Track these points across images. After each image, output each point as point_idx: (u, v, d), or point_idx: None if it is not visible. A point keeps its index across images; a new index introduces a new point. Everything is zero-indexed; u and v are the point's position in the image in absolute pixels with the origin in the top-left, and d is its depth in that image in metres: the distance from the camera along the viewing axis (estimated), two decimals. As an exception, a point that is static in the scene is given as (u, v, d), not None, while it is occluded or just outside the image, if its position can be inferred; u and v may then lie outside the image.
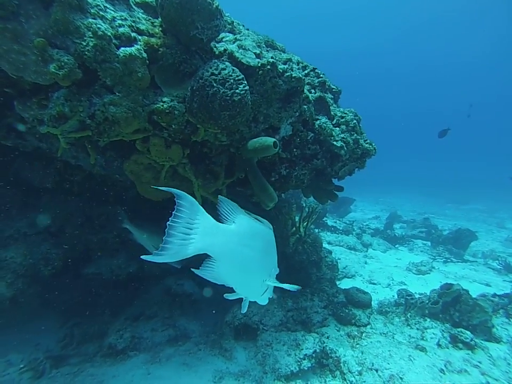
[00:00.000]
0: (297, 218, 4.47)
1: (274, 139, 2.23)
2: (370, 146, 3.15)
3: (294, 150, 2.77)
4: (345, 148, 2.88)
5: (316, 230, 6.41)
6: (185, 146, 2.53)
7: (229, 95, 2.04)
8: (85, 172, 3.35)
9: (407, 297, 4.09)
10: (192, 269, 1.35)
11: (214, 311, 3.73)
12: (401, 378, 2.79)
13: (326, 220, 8.40)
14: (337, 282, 4.63)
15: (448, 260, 7.75)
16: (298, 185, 3.07)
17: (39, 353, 3.18)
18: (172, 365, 3.06)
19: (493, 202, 20.11)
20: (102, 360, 3.17)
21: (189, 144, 2.52)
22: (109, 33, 1.81)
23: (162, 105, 2.16)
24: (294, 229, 4.51)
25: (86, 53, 1.73)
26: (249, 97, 2.14)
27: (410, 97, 65.26)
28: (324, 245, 5.20)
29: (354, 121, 3.09)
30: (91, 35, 1.73)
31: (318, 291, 3.71)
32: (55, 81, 1.78)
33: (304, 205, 6.20)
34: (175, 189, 1.25)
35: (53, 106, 1.86)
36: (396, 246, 8.33)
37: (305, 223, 4.49)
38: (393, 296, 5.04)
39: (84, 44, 1.71)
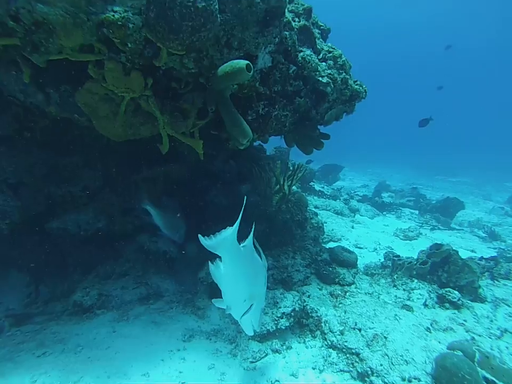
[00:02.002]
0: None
1: (247, 61, 1.89)
2: (361, 88, 2.82)
3: (274, 85, 2.43)
4: (331, 86, 2.54)
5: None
6: (147, 75, 2.17)
7: (191, 0, 1.67)
8: (47, 119, 2.99)
9: (394, 258, 3.90)
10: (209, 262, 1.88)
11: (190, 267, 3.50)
12: (385, 337, 2.61)
13: (313, 185, 8.15)
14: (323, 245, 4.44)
15: (435, 228, 7.67)
16: (280, 129, 2.75)
17: (-2, 312, 2.94)
18: (139, 323, 2.83)
19: (480, 176, 20.19)
20: (67, 318, 2.94)
21: (152, 73, 2.16)
22: None
23: (113, 16, 1.78)
24: (278, 186, 4.25)
25: None
26: (216, 6, 1.77)
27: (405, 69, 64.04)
28: (310, 209, 4.97)
29: (344, 59, 2.74)
30: None
31: (300, 249, 3.48)
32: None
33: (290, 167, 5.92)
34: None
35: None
36: (383, 213, 8.19)
37: (289, 182, 4.22)
38: (379, 259, 4.89)
39: None
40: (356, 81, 2.84)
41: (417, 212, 9.03)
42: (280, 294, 2.85)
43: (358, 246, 5.57)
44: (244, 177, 4.45)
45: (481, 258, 4.96)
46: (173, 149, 3.72)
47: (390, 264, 4.13)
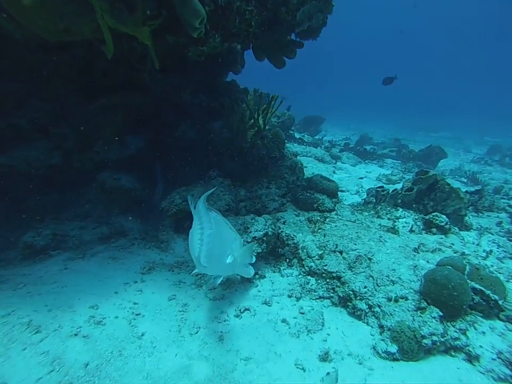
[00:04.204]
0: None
1: None
2: (340, -21, 2.39)
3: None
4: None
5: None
6: None
7: None
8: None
9: (378, 189, 3.63)
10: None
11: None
12: (369, 259, 2.35)
13: (293, 133, 7.75)
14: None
15: (418, 174, 7.49)
16: (246, 31, 2.32)
17: None
18: (96, 259, 2.50)
19: (461, 131, 20.29)
20: (18, 263, 2.58)
21: None
22: None
23: None
24: (252, 121, 3.85)
25: None
26: None
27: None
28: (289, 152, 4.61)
29: None
30: None
31: (276, 178, 3.14)
32: None
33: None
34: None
35: None
36: (365, 161, 7.93)
37: (264, 116, 3.83)
38: (362, 199, 4.65)
39: None
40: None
41: (399, 162, 8.88)
42: (251, 219, 2.52)
43: (340, 189, 5.29)
44: (215, 112, 4.02)
45: (466, 192, 4.80)
46: (135, 79, 3.27)
47: (373, 200, 3.89)
